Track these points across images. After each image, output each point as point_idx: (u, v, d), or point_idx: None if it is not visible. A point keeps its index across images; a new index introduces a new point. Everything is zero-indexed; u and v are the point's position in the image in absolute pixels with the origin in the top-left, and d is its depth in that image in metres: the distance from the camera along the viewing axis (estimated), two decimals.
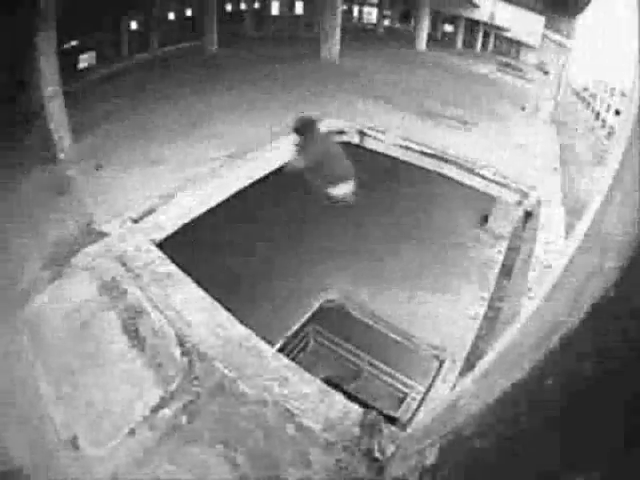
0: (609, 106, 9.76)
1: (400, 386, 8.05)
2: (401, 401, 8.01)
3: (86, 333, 2.58)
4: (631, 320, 0.55)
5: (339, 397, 2.21)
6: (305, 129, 3.92)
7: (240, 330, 2.60)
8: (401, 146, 5.41)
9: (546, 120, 7.60)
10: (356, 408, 2.14)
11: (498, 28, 22.33)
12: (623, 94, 9.12)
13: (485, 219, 8.94)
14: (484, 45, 25.37)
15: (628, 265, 0.59)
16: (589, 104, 12.10)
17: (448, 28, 27.46)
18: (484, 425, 0.94)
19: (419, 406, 6.44)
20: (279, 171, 4.96)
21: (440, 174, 5.26)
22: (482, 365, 1.21)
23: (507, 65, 18.22)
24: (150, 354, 2.41)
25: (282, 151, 5.02)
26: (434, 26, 24.64)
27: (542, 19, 7.60)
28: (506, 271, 7.40)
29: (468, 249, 8.22)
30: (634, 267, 0.58)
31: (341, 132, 5.85)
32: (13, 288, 3.14)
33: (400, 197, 9.37)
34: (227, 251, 7.26)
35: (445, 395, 4.30)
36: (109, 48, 10.60)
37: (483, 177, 4.87)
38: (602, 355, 0.59)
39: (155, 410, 2.13)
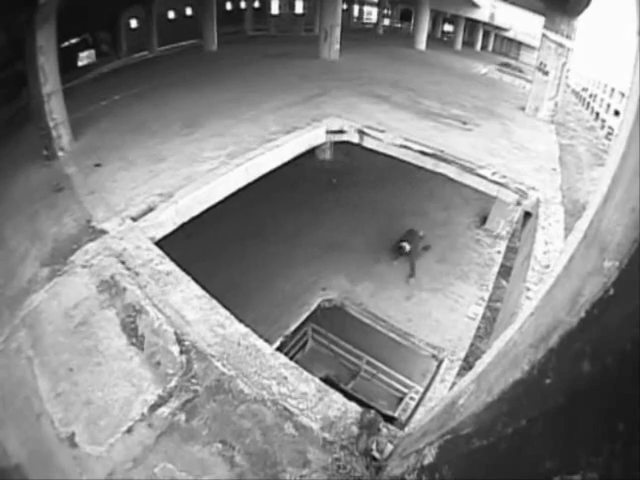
0: (608, 106, 9.79)
1: (398, 385, 8.05)
2: (399, 400, 8.01)
3: (85, 331, 2.58)
4: (630, 319, 0.55)
5: (337, 396, 2.21)
6: None
7: (239, 328, 2.60)
8: (400, 145, 5.40)
9: (546, 120, 7.60)
10: (354, 407, 2.14)
11: (498, 28, 22.32)
12: (622, 94, 9.14)
13: (484, 219, 8.94)
14: (484, 45, 25.37)
15: (627, 265, 0.59)
16: (589, 104, 12.12)
17: (448, 28, 27.47)
18: (483, 424, 0.94)
19: (417, 406, 6.44)
20: (278, 170, 4.96)
21: (439, 174, 5.25)
22: (481, 364, 1.21)
23: (507, 65, 18.24)
24: (149, 352, 2.41)
25: (282, 150, 5.02)
26: (434, 26, 24.65)
27: (542, 19, 7.59)
28: (505, 271, 7.43)
29: (467, 249, 8.23)
30: (633, 267, 0.58)
31: (341, 131, 5.85)
32: (12, 285, 3.13)
33: (399, 197, 9.38)
34: (226, 250, 7.27)
35: (444, 394, 4.31)
36: (109, 46, 10.57)
37: (482, 177, 4.87)
38: (601, 354, 0.59)
39: (153, 408, 2.13)
